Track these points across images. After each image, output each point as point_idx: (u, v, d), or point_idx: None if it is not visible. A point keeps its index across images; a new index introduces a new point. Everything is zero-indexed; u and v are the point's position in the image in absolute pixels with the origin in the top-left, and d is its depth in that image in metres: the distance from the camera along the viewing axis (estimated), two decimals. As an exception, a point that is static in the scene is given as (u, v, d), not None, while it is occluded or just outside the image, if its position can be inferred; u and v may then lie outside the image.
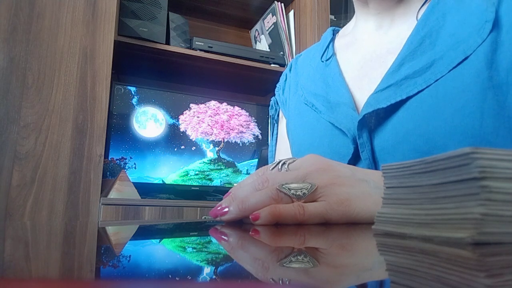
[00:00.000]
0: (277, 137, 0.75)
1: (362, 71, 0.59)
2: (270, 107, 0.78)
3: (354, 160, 0.53)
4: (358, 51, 0.62)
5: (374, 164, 0.51)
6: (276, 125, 0.76)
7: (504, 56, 0.46)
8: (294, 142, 0.66)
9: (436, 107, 0.47)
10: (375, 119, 0.51)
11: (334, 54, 0.64)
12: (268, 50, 1.84)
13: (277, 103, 0.76)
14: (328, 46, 0.66)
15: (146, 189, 1.50)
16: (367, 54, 0.60)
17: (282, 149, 0.71)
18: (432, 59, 0.49)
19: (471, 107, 0.45)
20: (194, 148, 1.66)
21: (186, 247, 0.25)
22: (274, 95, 0.78)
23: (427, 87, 0.48)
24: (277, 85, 0.77)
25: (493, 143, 0.44)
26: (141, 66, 1.70)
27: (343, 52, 0.64)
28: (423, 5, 0.56)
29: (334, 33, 0.70)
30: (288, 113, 0.70)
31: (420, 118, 0.47)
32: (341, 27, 0.72)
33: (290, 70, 0.75)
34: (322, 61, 0.65)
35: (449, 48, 0.49)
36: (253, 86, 1.93)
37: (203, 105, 1.69)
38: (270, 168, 0.41)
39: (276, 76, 1.72)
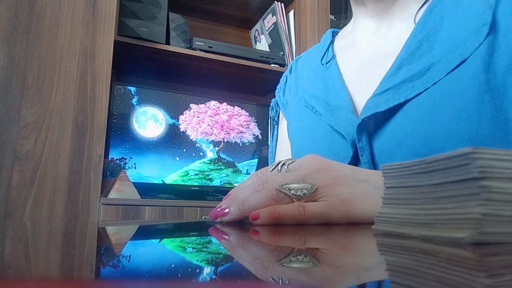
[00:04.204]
0: (277, 138, 0.75)
1: (361, 74, 0.59)
2: (270, 109, 0.78)
3: (354, 163, 0.53)
4: (357, 53, 0.62)
5: (374, 167, 0.51)
6: (276, 126, 0.76)
7: (501, 59, 0.46)
8: (294, 144, 0.66)
9: (433, 110, 0.47)
10: (374, 122, 0.51)
11: (334, 56, 0.64)
12: (268, 50, 1.84)
13: (278, 105, 0.76)
14: (328, 49, 0.66)
15: (146, 189, 1.50)
16: (366, 57, 0.60)
17: (283, 150, 0.71)
18: (430, 62, 0.49)
19: (468, 110, 0.45)
20: (194, 148, 1.66)
21: (186, 247, 0.25)
22: (274, 95, 0.78)
23: (425, 90, 0.48)
24: (278, 87, 0.77)
25: (490, 146, 0.44)
26: (141, 66, 1.70)
27: (343, 54, 0.64)
28: (421, 7, 0.56)
29: (334, 34, 0.70)
30: (288, 115, 0.70)
31: (418, 121, 0.48)
32: (341, 28, 0.72)
33: (290, 71, 0.75)
34: (322, 64, 0.65)
35: (447, 52, 0.49)
36: (253, 86, 1.93)
37: (203, 105, 1.69)
38: (270, 169, 0.41)
39: (276, 76, 1.72)
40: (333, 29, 0.72)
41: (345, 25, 0.71)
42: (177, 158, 1.62)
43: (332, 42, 0.68)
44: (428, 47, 0.51)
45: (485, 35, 0.47)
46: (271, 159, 0.76)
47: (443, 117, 0.46)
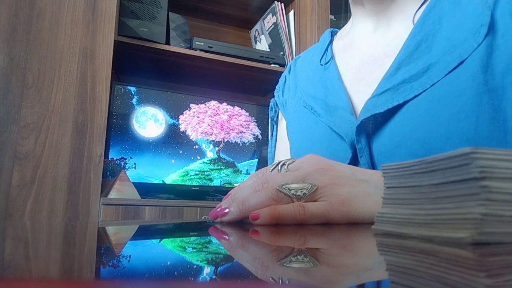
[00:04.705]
0: (276, 138, 0.75)
1: (360, 74, 0.59)
2: (269, 109, 0.78)
3: (353, 164, 0.53)
4: (356, 53, 0.62)
5: (373, 168, 0.51)
6: (275, 126, 0.76)
7: (500, 60, 0.46)
8: (293, 145, 0.66)
9: (432, 111, 0.47)
10: (373, 123, 0.51)
11: (332, 57, 0.64)
12: (268, 50, 1.84)
13: (277, 105, 0.76)
14: (326, 49, 0.66)
15: (146, 189, 1.49)
16: (364, 57, 0.60)
17: (282, 150, 0.71)
18: (428, 63, 0.49)
19: (467, 111, 0.45)
20: (194, 148, 1.66)
21: (186, 247, 0.25)
22: (274, 95, 0.78)
23: (423, 91, 0.48)
24: (277, 87, 0.77)
25: (489, 147, 0.44)
26: (141, 66, 1.70)
27: (341, 55, 0.64)
28: (419, 8, 0.56)
29: (332, 34, 0.70)
30: (287, 115, 0.70)
31: (417, 122, 0.48)
32: (341, 28, 0.72)
33: (289, 72, 0.75)
34: (321, 65, 0.65)
35: (445, 52, 0.49)
36: (253, 86, 1.93)
37: (203, 105, 1.69)
38: (270, 169, 0.41)
39: (276, 76, 1.72)
40: (331, 29, 0.72)
41: (345, 25, 0.71)
42: (173, 160, 1.62)
43: (331, 42, 0.68)
44: (426, 48, 0.51)
45: (484, 36, 0.47)
46: (271, 159, 0.75)
47: (441, 118, 0.46)
